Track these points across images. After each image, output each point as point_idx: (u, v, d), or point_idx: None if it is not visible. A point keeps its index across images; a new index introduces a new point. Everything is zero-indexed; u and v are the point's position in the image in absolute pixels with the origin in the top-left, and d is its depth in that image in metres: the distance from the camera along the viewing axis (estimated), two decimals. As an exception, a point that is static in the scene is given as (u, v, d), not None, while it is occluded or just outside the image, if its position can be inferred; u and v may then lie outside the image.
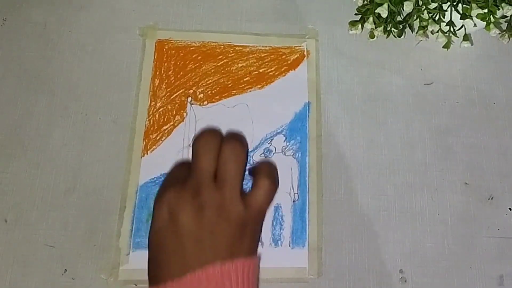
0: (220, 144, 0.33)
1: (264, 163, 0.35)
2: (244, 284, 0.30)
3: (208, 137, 0.34)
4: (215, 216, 0.31)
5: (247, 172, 0.35)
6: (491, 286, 0.43)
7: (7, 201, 0.43)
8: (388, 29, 0.48)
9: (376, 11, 0.46)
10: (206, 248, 0.31)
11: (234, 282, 0.30)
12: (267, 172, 0.34)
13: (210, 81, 0.48)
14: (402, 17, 0.49)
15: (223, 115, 0.47)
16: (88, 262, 0.42)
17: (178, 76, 0.48)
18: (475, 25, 0.45)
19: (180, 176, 0.35)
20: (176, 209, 0.32)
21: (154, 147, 0.45)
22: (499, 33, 0.46)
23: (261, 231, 0.35)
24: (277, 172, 0.35)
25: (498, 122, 0.49)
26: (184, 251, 0.31)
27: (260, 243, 0.43)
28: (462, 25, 0.46)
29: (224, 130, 0.46)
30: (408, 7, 0.45)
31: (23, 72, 0.48)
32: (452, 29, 0.46)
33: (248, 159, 0.45)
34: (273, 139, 0.46)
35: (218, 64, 0.49)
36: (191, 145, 0.34)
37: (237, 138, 0.34)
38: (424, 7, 0.45)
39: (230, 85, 0.48)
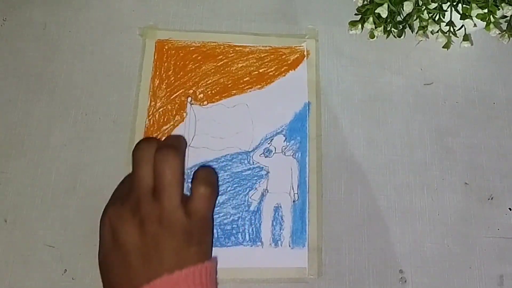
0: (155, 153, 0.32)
1: (200, 170, 0.34)
2: None
3: (142, 148, 0.33)
4: (157, 229, 0.30)
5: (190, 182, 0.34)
6: (491, 286, 0.43)
7: (7, 201, 0.43)
8: (388, 29, 0.48)
9: (376, 11, 0.46)
10: (152, 262, 0.30)
11: None
12: (202, 178, 0.33)
13: (210, 81, 0.48)
14: (402, 17, 0.49)
15: (223, 115, 0.47)
16: (88, 262, 0.42)
17: (178, 76, 0.48)
18: (475, 25, 0.45)
19: (123, 191, 0.34)
20: (117, 228, 0.31)
21: (154, 147, 0.45)
22: (499, 33, 0.46)
23: (211, 235, 0.34)
24: (215, 176, 0.34)
25: (498, 122, 0.49)
26: (130, 267, 0.30)
27: (260, 243, 0.43)
28: (462, 25, 0.46)
29: (223, 130, 0.46)
30: (408, 7, 0.45)
31: (23, 72, 0.48)
32: (452, 29, 0.46)
33: (248, 159, 0.45)
34: (273, 139, 0.46)
35: (218, 64, 0.49)
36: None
37: (169, 145, 0.33)
38: (424, 7, 0.45)
39: (230, 85, 0.48)
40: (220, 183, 0.44)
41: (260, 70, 0.49)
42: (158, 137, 0.46)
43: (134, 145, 0.34)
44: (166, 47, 0.49)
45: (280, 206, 0.44)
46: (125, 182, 0.37)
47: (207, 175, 0.34)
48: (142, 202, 0.31)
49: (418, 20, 0.47)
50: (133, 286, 0.30)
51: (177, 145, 0.34)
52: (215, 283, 0.32)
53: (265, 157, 0.46)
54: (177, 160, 0.32)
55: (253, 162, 0.45)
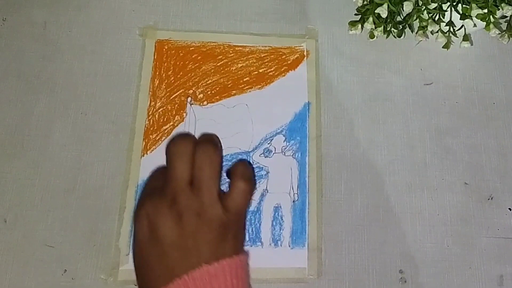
0: (193, 148, 0.33)
1: (239, 164, 0.35)
2: (233, 282, 0.30)
3: (181, 142, 0.33)
4: (195, 221, 0.31)
5: (224, 174, 0.35)
6: (491, 286, 0.43)
7: (7, 201, 0.43)
8: (388, 29, 0.48)
9: (376, 11, 0.46)
10: (190, 254, 0.31)
11: (222, 282, 0.30)
12: (241, 173, 0.34)
13: (209, 81, 0.48)
14: (402, 17, 0.49)
15: (223, 115, 0.47)
16: (88, 262, 0.42)
17: (178, 76, 0.48)
18: (475, 25, 0.45)
19: (157, 184, 0.35)
20: (155, 220, 0.32)
21: (154, 147, 0.45)
22: (499, 33, 0.46)
23: (244, 229, 0.35)
24: (253, 171, 0.35)
25: (498, 122, 0.49)
26: (168, 259, 0.31)
27: (260, 243, 0.43)
28: (462, 25, 0.46)
29: (223, 130, 0.46)
30: (407, 7, 0.45)
31: (23, 72, 0.48)
32: (452, 29, 0.46)
33: (248, 159, 0.45)
34: (272, 139, 0.46)
35: (218, 64, 0.49)
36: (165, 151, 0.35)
37: (210, 141, 0.34)
38: (424, 7, 0.45)
39: (230, 85, 0.48)
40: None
41: (260, 70, 0.49)
42: (158, 137, 0.46)
43: (169, 140, 0.34)
44: (166, 47, 0.49)
45: (280, 206, 0.44)
46: (157, 175, 0.38)
47: (246, 170, 0.35)
48: (180, 195, 0.32)
49: (418, 20, 0.47)
50: (171, 277, 0.30)
51: (216, 142, 0.34)
52: (248, 276, 0.33)
53: (265, 157, 0.46)
54: (217, 156, 0.33)
55: (253, 162, 0.45)
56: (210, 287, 0.29)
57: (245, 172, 0.34)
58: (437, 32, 0.46)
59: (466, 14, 0.44)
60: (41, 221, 0.43)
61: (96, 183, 0.44)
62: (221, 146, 0.35)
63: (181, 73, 0.48)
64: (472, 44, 0.50)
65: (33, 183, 0.44)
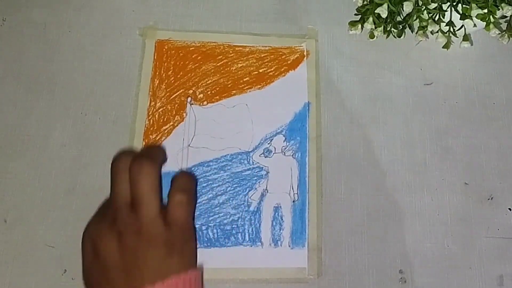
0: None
1: (177, 176, 0.33)
2: None
3: (120, 159, 0.32)
4: (136, 241, 0.30)
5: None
6: (491, 286, 0.43)
7: (7, 201, 0.43)
8: (388, 29, 0.48)
9: (376, 11, 0.46)
10: (133, 275, 0.29)
11: None
12: (177, 186, 0.32)
13: (209, 81, 0.48)
14: (402, 17, 0.49)
15: (223, 115, 0.47)
16: (88, 262, 0.42)
17: (178, 76, 0.48)
18: (475, 25, 0.45)
19: (104, 206, 0.34)
20: (96, 242, 0.30)
21: (154, 147, 0.45)
22: (499, 33, 0.46)
23: (194, 243, 0.33)
24: (191, 182, 0.33)
25: (498, 122, 0.49)
26: (112, 282, 0.29)
27: (260, 243, 0.43)
28: (462, 25, 0.46)
29: (223, 130, 0.46)
30: (407, 7, 0.45)
31: (23, 72, 0.48)
32: (452, 29, 0.46)
33: (248, 159, 0.45)
34: (272, 139, 0.46)
35: (218, 64, 0.49)
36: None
37: (145, 154, 0.33)
38: (424, 7, 0.45)
39: (229, 85, 0.48)
40: (220, 183, 0.44)
41: (260, 70, 0.49)
42: (158, 137, 0.46)
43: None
44: (166, 47, 0.49)
45: (280, 206, 0.44)
46: (107, 199, 0.37)
47: (182, 181, 0.33)
48: (119, 214, 0.31)
49: (418, 20, 0.47)
50: None
51: (153, 155, 0.33)
52: None
53: (265, 157, 0.46)
54: (152, 169, 0.31)
55: (253, 162, 0.45)
56: None
57: (182, 183, 0.32)
58: (437, 32, 0.46)
59: (466, 14, 0.44)
60: (41, 221, 0.43)
61: (96, 183, 0.44)
62: (162, 157, 0.33)
63: (181, 73, 0.48)
64: (472, 44, 0.50)
65: (33, 183, 0.44)
